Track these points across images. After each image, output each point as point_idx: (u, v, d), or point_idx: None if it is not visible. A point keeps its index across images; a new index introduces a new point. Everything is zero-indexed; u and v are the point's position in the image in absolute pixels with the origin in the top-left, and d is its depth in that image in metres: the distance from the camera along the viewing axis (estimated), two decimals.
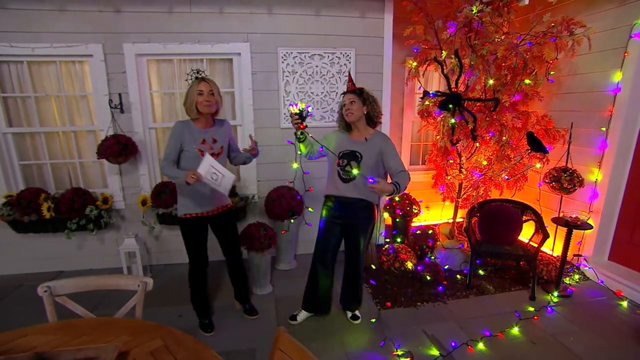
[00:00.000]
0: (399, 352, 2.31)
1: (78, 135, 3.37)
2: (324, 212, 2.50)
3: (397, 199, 3.85)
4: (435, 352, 2.35)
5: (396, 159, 2.29)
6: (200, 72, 2.28)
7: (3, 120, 3.16)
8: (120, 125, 3.23)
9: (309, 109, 2.28)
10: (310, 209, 3.39)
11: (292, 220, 3.33)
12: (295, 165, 2.79)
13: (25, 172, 3.34)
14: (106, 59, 3.10)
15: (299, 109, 2.23)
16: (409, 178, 2.23)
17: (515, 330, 2.55)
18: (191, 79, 2.26)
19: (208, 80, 2.22)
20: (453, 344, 2.41)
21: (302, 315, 2.68)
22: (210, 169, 2.10)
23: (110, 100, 3.16)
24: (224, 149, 2.38)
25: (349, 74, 2.60)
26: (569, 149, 3.31)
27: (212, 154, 2.23)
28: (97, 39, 3.06)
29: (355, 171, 2.26)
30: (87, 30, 3.03)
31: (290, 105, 2.29)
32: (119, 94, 3.17)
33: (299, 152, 2.48)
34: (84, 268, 3.49)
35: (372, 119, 2.35)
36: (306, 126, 2.31)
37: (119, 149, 3.03)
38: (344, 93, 2.37)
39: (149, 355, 1.20)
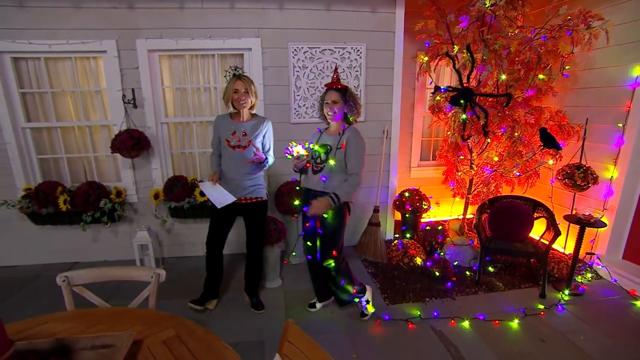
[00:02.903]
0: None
1: (93, 129, 3.45)
2: (303, 201, 2.55)
3: (407, 194, 3.84)
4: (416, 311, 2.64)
5: (354, 158, 2.29)
6: (238, 69, 2.46)
7: (22, 115, 3.25)
8: (133, 120, 3.29)
9: (312, 145, 2.41)
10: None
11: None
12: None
13: (42, 165, 3.43)
14: (120, 54, 3.15)
15: (307, 151, 2.32)
16: (357, 184, 2.28)
17: (515, 324, 2.56)
18: (229, 76, 2.44)
19: (244, 79, 2.41)
20: (435, 314, 2.62)
21: (319, 304, 2.78)
22: (212, 192, 2.49)
23: (124, 96, 3.22)
24: (251, 144, 2.49)
25: (336, 67, 2.62)
26: (583, 145, 3.24)
27: (238, 146, 2.47)
28: (111, 35, 3.11)
29: (331, 162, 2.31)
30: (101, 27, 3.08)
31: (288, 152, 2.32)
32: (132, 89, 3.22)
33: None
34: (98, 260, 3.58)
35: (348, 120, 2.40)
36: (309, 160, 2.43)
37: (132, 143, 3.09)
38: (328, 87, 2.37)
39: (162, 344, 1.24)
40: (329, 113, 2.34)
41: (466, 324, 2.57)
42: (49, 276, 3.23)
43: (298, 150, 2.29)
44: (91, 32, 3.08)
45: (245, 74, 2.47)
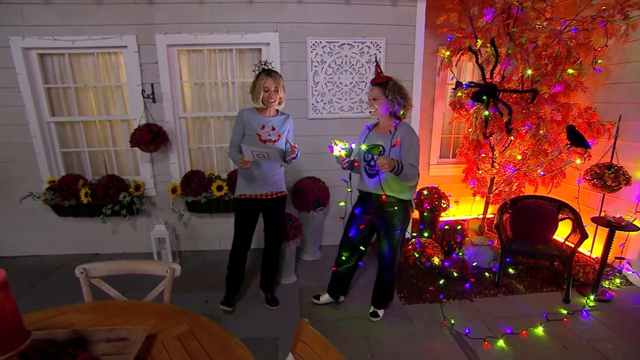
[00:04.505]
0: None
1: (113, 124, 3.51)
2: (356, 204, 2.51)
3: (425, 192, 3.76)
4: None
5: (412, 153, 2.18)
6: (268, 64, 2.38)
7: (47, 109, 3.34)
8: (152, 114, 3.33)
9: (353, 146, 2.22)
10: (342, 203, 3.27)
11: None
12: (342, 204, 2.69)
13: (65, 159, 3.52)
14: (139, 49, 3.19)
15: (346, 151, 2.18)
16: (417, 176, 2.19)
17: (540, 331, 2.45)
18: (258, 70, 2.37)
19: (274, 76, 2.32)
20: (467, 331, 2.44)
21: (325, 297, 2.76)
22: (252, 152, 2.24)
23: (143, 90, 3.26)
24: (281, 137, 2.47)
25: (377, 61, 2.50)
26: (615, 143, 3.07)
27: (269, 140, 2.43)
28: (131, 30, 3.15)
29: (374, 150, 2.22)
30: (122, 22, 3.13)
31: (331, 150, 2.18)
32: (151, 84, 3.26)
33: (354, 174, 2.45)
34: (117, 252, 3.67)
35: (395, 115, 2.26)
36: (353, 160, 2.31)
37: (151, 137, 3.13)
38: (371, 83, 2.30)
39: (175, 339, 1.24)
40: (371, 110, 2.28)
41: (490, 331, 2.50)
42: (71, 266, 3.29)
43: (339, 150, 2.17)
44: (112, 27, 3.13)
45: (274, 69, 2.38)
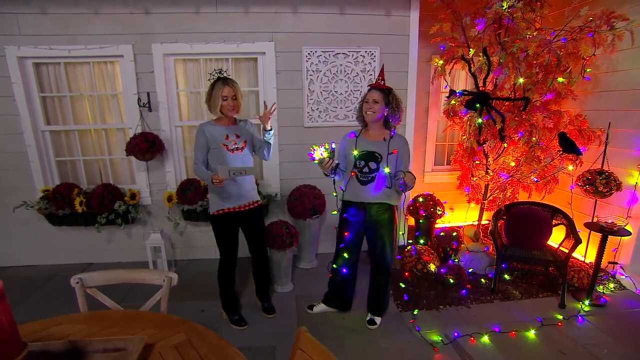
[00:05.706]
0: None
1: (108, 132, 3.51)
2: (343, 215, 2.49)
3: (420, 199, 3.78)
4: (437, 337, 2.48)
5: (407, 164, 2.33)
6: (223, 72, 2.34)
7: (42, 118, 3.33)
8: (148, 123, 3.33)
9: (333, 145, 2.21)
10: (334, 212, 3.29)
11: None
12: (335, 212, 2.66)
13: (60, 167, 3.51)
14: (136, 59, 3.21)
15: (328, 152, 2.16)
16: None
17: (532, 334, 2.48)
18: (213, 79, 2.31)
19: (231, 84, 2.27)
20: (455, 334, 2.48)
21: (320, 307, 2.76)
22: (228, 172, 2.18)
23: (139, 99, 3.27)
24: (247, 143, 2.45)
25: (382, 67, 2.48)
26: (605, 150, 3.13)
27: (236, 148, 2.37)
28: (128, 40, 3.16)
29: (387, 170, 2.24)
30: (119, 32, 3.15)
31: (312, 158, 2.17)
32: (147, 93, 3.27)
33: (338, 179, 2.44)
34: (112, 261, 3.63)
35: (389, 124, 2.34)
36: (338, 163, 2.29)
37: (147, 146, 3.13)
38: (371, 87, 2.31)
39: (173, 348, 1.23)
40: (368, 112, 2.26)
41: (482, 334, 2.50)
42: (65, 276, 3.25)
43: (319, 153, 2.15)
44: (109, 37, 3.14)
45: (230, 77, 2.32)
